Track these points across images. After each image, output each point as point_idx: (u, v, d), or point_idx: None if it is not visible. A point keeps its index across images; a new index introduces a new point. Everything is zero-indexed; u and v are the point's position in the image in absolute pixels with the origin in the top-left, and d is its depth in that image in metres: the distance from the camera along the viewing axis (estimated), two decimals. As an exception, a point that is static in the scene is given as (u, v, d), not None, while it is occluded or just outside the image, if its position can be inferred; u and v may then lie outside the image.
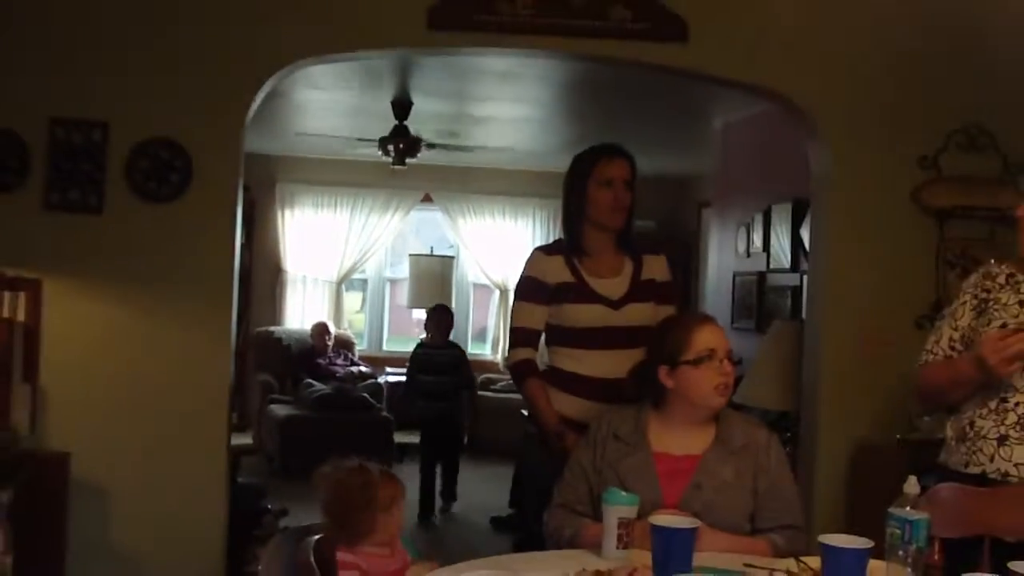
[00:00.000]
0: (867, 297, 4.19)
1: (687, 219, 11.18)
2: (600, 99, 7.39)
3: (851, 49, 4.22)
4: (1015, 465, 2.82)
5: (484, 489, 8.19)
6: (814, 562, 2.38)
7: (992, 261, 3.07)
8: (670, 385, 2.88)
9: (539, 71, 6.52)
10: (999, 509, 2.76)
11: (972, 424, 2.90)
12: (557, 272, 3.59)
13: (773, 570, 2.46)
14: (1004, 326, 2.83)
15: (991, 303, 2.93)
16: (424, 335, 7.97)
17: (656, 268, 3.70)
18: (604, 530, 2.54)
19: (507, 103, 7.71)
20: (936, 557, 2.66)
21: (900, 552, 2.30)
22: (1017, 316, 2.86)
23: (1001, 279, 2.95)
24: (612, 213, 3.59)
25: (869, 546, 2.24)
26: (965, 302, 3.00)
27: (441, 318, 7.84)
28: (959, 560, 2.52)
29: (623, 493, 2.59)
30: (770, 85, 4.22)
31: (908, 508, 2.32)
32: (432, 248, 11.43)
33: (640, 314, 3.57)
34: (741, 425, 2.94)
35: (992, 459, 2.85)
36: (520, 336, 3.63)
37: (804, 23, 4.21)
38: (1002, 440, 2.84)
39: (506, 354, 3.80)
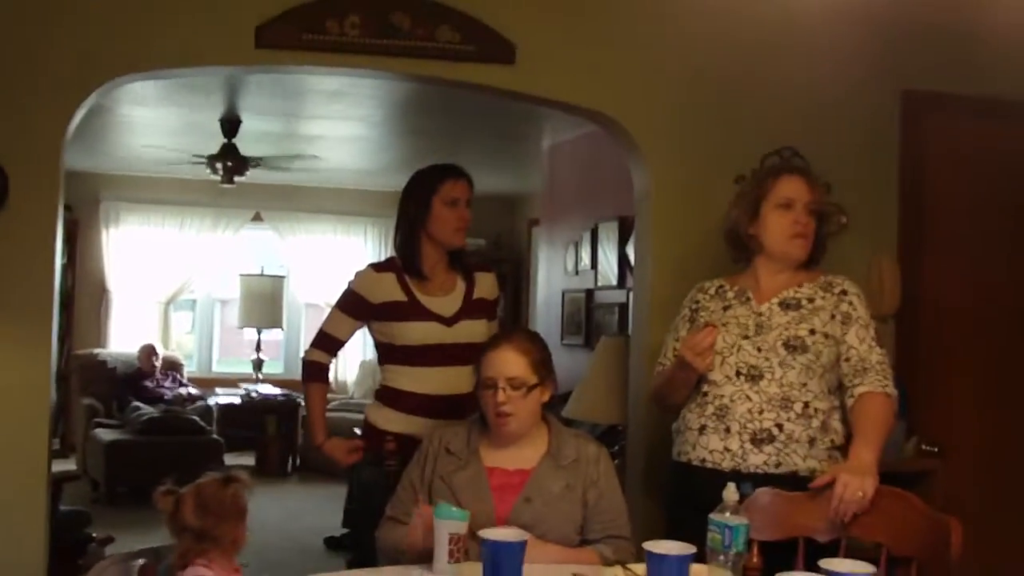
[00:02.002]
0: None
1: (518, 237, 11.32)
2: (431, 118, 7.44)
3: (672, 73, 4.35)
4: (710, 452, 3.13)
5: (317, 509, 8.11)
6: (640, 569, 2.45)
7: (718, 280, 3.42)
8: (479, 402, 2.98)
9: (369, 90, 6.52)
10: (812, 512, 2.91)
11: (684, 417, 3.24)
12: (387, 290, 3.61)
13: (601, 579, 2.53)
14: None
15: (700, 312, 3.31)
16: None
17: (486, 286, 3.76)
18: (435, 545, 2.54)
19: (337, 122, 7.69)
20: (755, 559, 2.79)
21: (721, 556, 2.39)
22: (719, 318, 3.22)
23: (712, 291, 3.35)
24: (456, 232, 3.65)
25: (691, 551, 2.33)
26: (684, 315, 3.39)
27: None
28: (776, 561, 2.63)
29: (454, 508, 2.59)
30: (594, 107, 4.32)
31: (728, 514, 2.42)
32: (263, 268, 11.27)
33: (473, 331, 3.62)
34: (572, 440, 3.01)
35: (694, 447, 3.18)
36: (323, 340, 3.72)
37: (628, 48, 4.31)
38: (702, 429, 3.16)
39: (308, 354, 3.80)
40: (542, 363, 2.97)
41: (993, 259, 4.83)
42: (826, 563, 2.28)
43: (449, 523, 2.54)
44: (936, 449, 4.56)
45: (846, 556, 2.62)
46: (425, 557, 2.62)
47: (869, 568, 2.30)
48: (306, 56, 4.08)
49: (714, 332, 3.12)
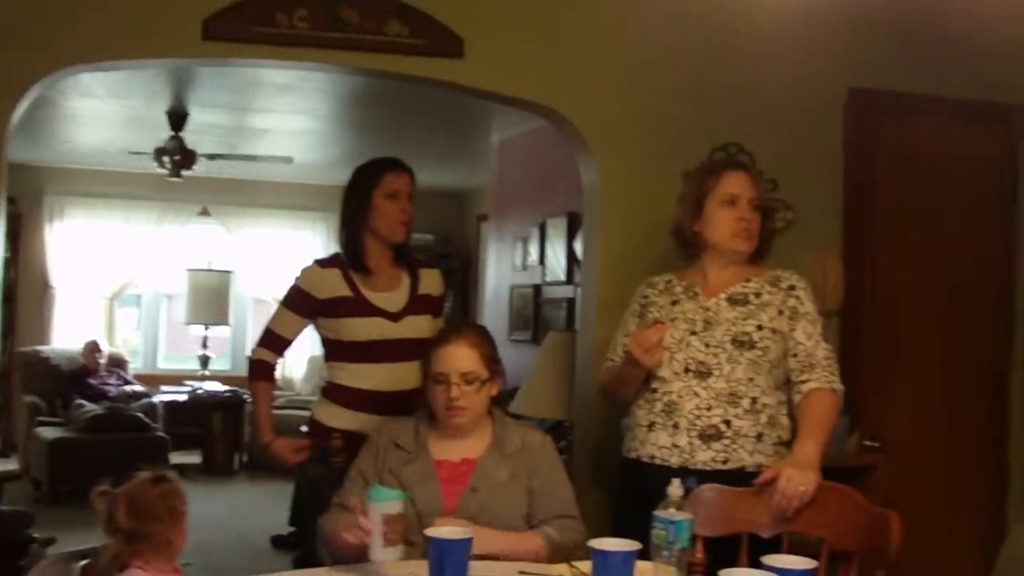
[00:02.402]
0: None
1: (466, 232, 11.31)
2: (381, 112, 7.41)
3: (621, 69, 4.36)
4: (659, 448, 3.15)
5: (264, 507, 8.06)
6: (585, 566, 2.45)
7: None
8: (428, 395, 2.99)
9: (319, 84, 6.49)
10: (755, 508, 2.93)
11: (633, 413, 3.25)
12: (332, 286, 3.60)
13: None
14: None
15: (650, 307, 3.31)
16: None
17: (431, 282, 3.76)
18: (372, 532, 2.45)
19: (286, 115, 7.64)
20: (699, 555, 2.80)
21: (665, 552, 2.40)
22: (668, 313, 3.24)
23: (660, 286, 3.36)
24: (398, 226, 3.65)
25: (636, 548, 2.33)
26: (633, 311, 3.39)
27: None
28: (720, 556, 2.65)
29: (385, 489, 2.51)
30: (542, 102, 4.32)
31: (672, 510, 2.43)
32: (210, 263, 11.17)
33: (418, 327, 3.63)
34: (517, 429, 3.05)
35: (643, 444, 3.19)
36: (269, 338, 3.71)
37: (577, 44, 4.32)
38: (651, 426, 3.18)
39: (254, 353, 3.78)
40: (492, 358, 3.00)
41: (936, 256, 4.89)
42: (768, 559, 2.29)
43: (381, 504, 2.44)
44: (878, 444, 4.61)
45: (789, 551, 2.64)
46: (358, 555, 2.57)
47: (811, 563, 2.31)
48: (254, 49, 4.04)
49: (662, 329, 3.13)
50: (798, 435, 3.09)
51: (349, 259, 3.65)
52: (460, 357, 2.92)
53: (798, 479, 2.86)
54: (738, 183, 3.29)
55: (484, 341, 3.01)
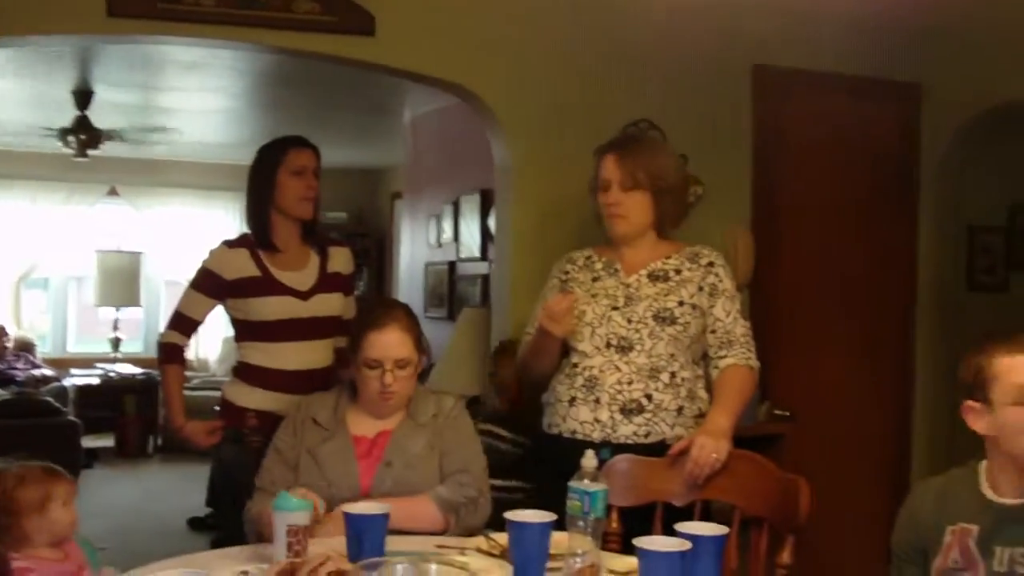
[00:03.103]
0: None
1: (380, 210, 11.27)
2: (293, 90, 7.33)
3: (533, 46, 4.37)
4: (581, 423, 3.17)
5: (180, 489, 7.99)
6: (502, 538, 2.48)
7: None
8: (356, 376, 2.96)
9: (229, 62, 6.40)
10: (669, 477, 2.99)
11: (554, 389, 3.27)
12: (240, 267, 3.57)
13: (464, 549, 2.55)
14: None
15: (570, 282, 3.32)
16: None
17: (341, 260, 3.75)
18: (275, 538, 2.40)
19: (196, 94, 7.53)
20: (614, 525, 2.85)
21: (580, 523, 2.42)
22: (588, 289, 3.26)
23: (580, 262, 3.37)
24: (303, 202, 3.63)
25: (552, 519, 2.37)
26: (553, 285, 3.40)
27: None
28: (634, 526, 2.70)
29: (293, 499, 2.45)
30: (454, 79, 4.32)
31: (586, 481, 2.46)
32: (119, 244, 10.97)
33: (329, 305, 3.62)
34: (431, 397, 3.04)
35: (564, 419, 3.21)
36: (178, 320, 3.67)
37: (489, 21, 4.32)
38: (572, 401, 3.19)
39: (163, 336, 3.75)
40: (420, 339, 2.99)
41: (842, 229, 5.00)
42: (681, 526, 2.34)
43: (287, 515, 2.38)
44: (788, 414, 4.71)
45: (702, 519, 2.70)
46: None
47: (723, 529, 2.37)
48: (161, 26, 3.98)
49: (570, 297, 3.16)
50: (712, 406, 3.14)
51: (256, 238, 3.63)
52: (394, 343, 2.89)
53: (710, 447, 2.92)
54: (606, 167, 3.29)
55: (414, 323, 2.99)
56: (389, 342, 2.89)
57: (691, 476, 2.93)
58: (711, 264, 3.28)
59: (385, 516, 2.45)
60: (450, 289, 7.06)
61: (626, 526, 2.85)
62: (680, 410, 3.17)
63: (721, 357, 3.21)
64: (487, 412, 4.42)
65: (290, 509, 2.39)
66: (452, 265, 7.04)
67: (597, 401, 3.16)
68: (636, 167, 3.26)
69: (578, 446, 3.06)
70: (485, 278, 6.37)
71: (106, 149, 8.51)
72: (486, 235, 6.33)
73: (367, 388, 2.92)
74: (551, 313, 3.13)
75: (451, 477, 2.89)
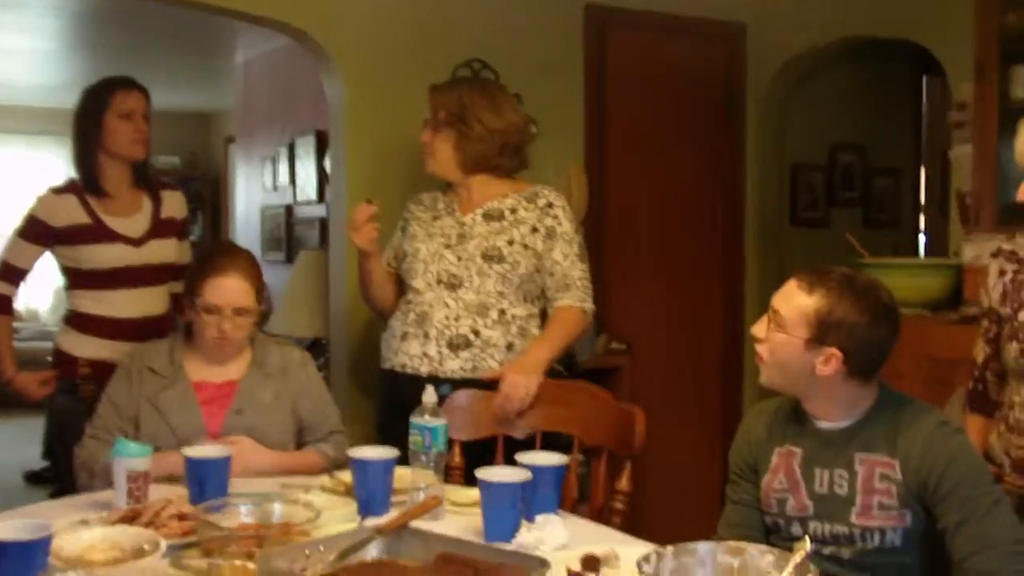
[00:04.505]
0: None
1: (214, 154, 11.05)
2: (116, 31, 7.09)
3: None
4: (411, 357, 3.24)
5: (15, 443, 7.77)
6: (346, 475, 2.51)
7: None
8: (193, 320, 2.93)
9: (46, 0, 6.17)
10: (508, 410, 3.05)
11: (390, 325, 3.35)
12: (69, 214, 3.47)
13: (308, 487, 2.56)
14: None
15: (412, 221, 3.41)
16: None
17: (175, 205, 3.68)
18: (115, 485, 2.38)
19: (11, 34, 7.22)
20: (456, 459, 2.91)
21: (423, 457, 2.47)
22: (427, 228, 3.34)
23: (426, 202, 3.45)
24: (133, 144, 3.53)
25: (395, 455, 2.40)
26: (400, 225, 3.48)
27: None
28: (477, 459, 2.75)
29: (133, 444, 2.42)
30: (283, 19, 4.24)
31: (427, 416, 2.50)
32: (-65, 194, 10.48)
33: (163, 251, 3.56)
34: (275, 348, 3.04)
35: (396, 353, 3.29)
36: (5, 270, 3.56)
37: (317, -42, 4.27)
38: (403, 336, 3.27)
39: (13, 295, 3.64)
40: (261, 287, 2.97)
41: (672, 165, 5.13)
42: (521, 456, 2.40)
43: (127, 461, 2.37)
44: (624, 346, 4.84)
45: (542, 449, 2.77)
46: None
47: (562, 459, 2.44)
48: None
49: (368, 208, 3.21)
50: (536, 339, 3.23)
51: (85, 183, 3.52)
52: (234, 290, 2.86)
53: (521, 384, 3.03)
54: (427, 107, 3.40)
55: (255, 270, 2.95)
56: (230, 289, 2.86)
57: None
58: (550, 205, 3.32)
59: (227, 460, 2.44)
60: (288, 232, 6.98)
61: (469, 460, 2.91)
62: (510, 346, 3.23)
63: (556, 299, 3.28)
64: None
65: (130, 455, 2.37)
66: (289, 208, 6.96)
67: (426, 336, 3.22)
68: (443, 107, 3.32)
69: (409, 380, 3.13)
70: (323, 220, 6.31)
71: (-83, 94, 8.12)
72: (323, 177, 6.27)
73: (203, 333, 2.90)
74: (351, 222, 3.22)
75: (331, 437, 2.96)
